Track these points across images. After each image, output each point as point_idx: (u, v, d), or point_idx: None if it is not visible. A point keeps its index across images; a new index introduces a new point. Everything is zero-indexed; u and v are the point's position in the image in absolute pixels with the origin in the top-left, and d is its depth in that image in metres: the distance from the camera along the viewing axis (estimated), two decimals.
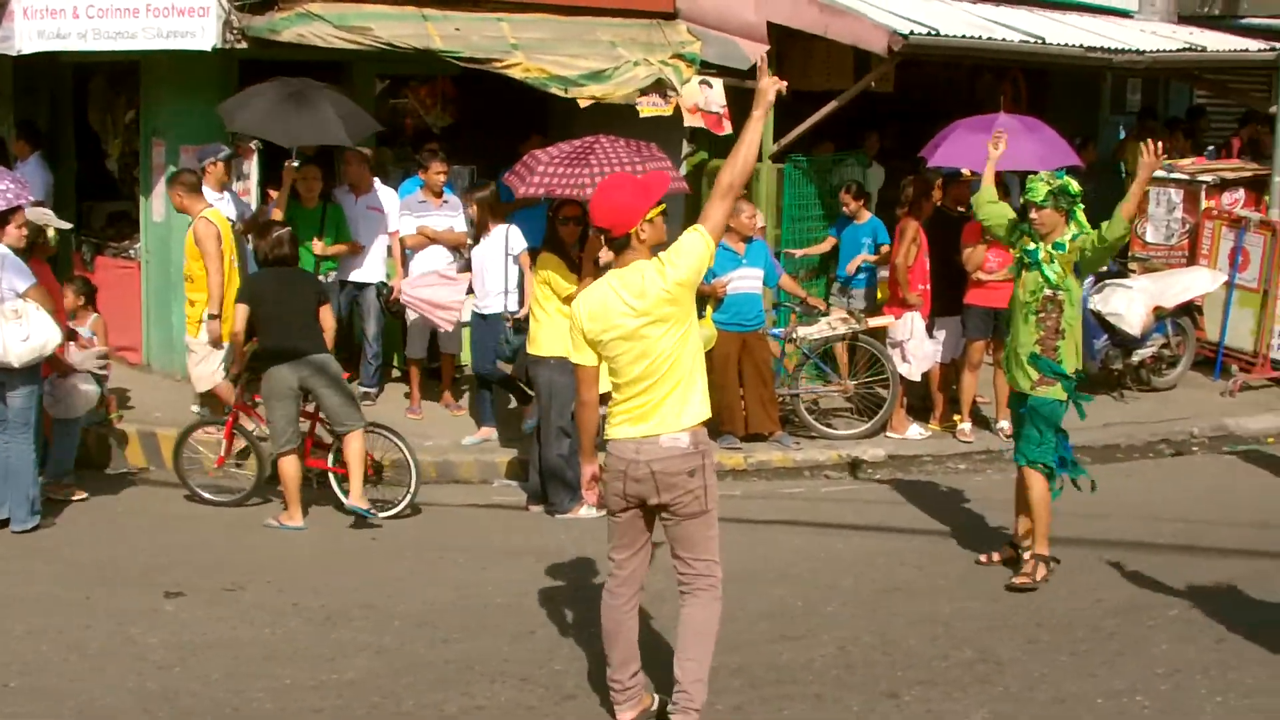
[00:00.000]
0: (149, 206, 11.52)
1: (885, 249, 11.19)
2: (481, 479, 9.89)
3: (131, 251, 11.86)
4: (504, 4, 11.52)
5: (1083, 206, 7.58)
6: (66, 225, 10.27)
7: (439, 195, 10.93)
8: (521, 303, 9.72)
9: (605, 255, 5.82)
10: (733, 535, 8.39)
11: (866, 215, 11.45)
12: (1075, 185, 7.54)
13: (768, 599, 7.37)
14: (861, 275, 11.43)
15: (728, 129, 11.36)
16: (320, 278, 10.24)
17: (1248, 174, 13.24)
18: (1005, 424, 10.58)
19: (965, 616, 7.08)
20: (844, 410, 11.04)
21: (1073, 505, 7.95)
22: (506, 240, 10.04)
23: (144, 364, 11.63)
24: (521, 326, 9.44)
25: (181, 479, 9.25)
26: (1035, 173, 7.75)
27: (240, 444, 9.26)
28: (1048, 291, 7.48)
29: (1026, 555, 7.63)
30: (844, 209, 11.42)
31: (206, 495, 9.19)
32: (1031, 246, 7.58)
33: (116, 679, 6.22)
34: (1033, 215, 7.53)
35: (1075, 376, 7.53)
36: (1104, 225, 7.35)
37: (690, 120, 11.58)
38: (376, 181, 11.01)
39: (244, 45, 10.54)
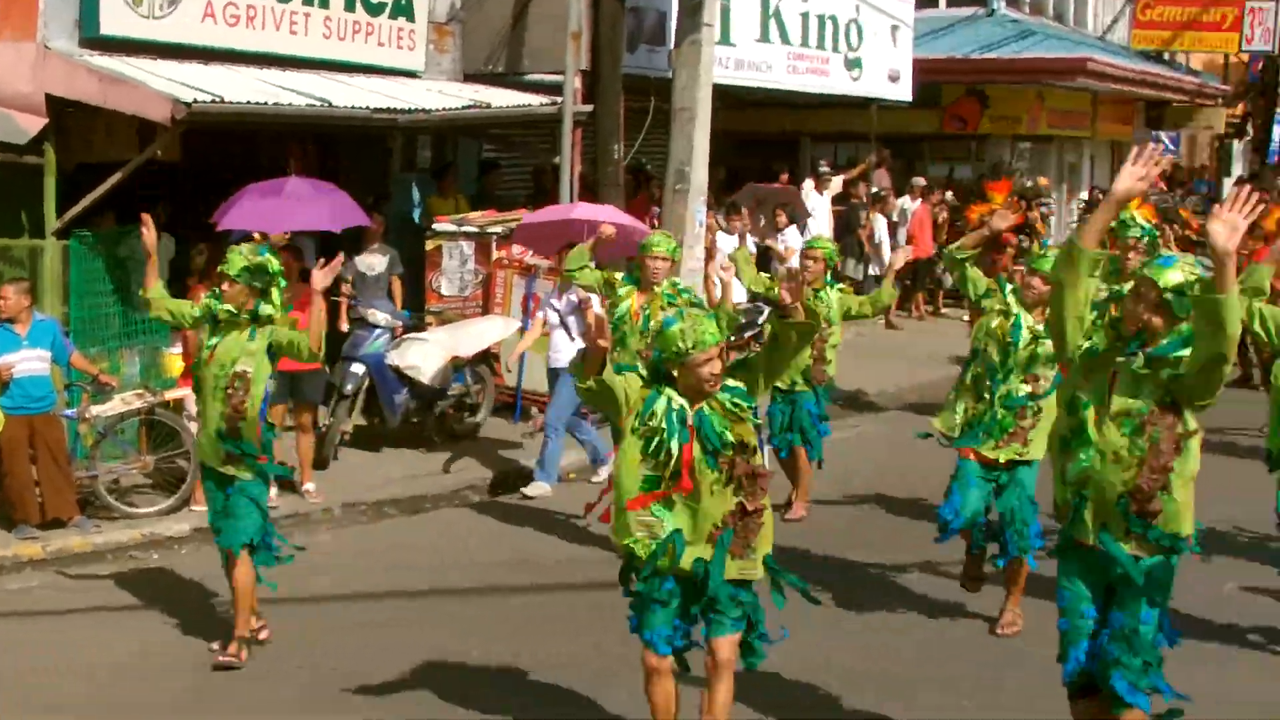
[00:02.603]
0: None
1: None
2: None
3: None
4: None
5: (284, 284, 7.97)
6: None
7: None
8: None
9: None
10: (32, 631, 8.57)
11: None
12: (275, 263, 7.89)
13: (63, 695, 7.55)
14: None
15: None
16: None
17: None
18: (311, 485, 11.16)
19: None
20: (146, 487, 11.23)
21: (397, 556, 9.06)
22: None
23: None
24: None
25: None
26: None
27: None
28: (238, 369, 7.78)
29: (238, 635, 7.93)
30: None
31: None
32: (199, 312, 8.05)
33: None
34: (224, 288, 7.85)
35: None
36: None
37: None
38: None
39: None
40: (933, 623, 8.60)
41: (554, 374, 11.73)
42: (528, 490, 11.54)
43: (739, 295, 14.86)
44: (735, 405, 5.94)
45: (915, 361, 17.62)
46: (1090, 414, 5.58)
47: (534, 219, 12.86)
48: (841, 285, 10.95)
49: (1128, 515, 5.53)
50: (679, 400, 5.92)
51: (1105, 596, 5.72)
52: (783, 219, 18.10)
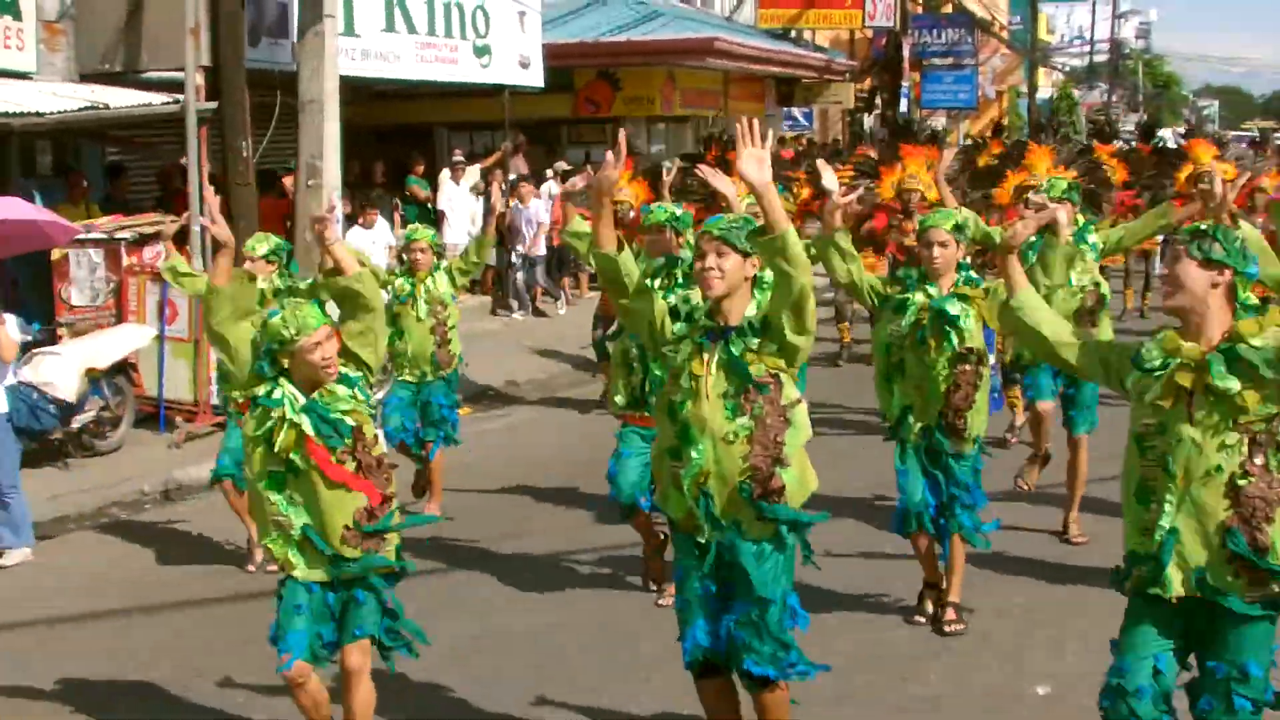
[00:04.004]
0: None
1: None
2: None
3: None
4: None
5: None
6: None
7: None
8: None
9: None
10: None
11: None
12: None
13: None
14: None
15: None
16: None
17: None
18: None
19: None
20: None
21: (41, 580, 9.25)
22: None
23: None
24: None
25: None
26: None
27: None
28: None
29: None
30: None
31: None
32: None
33: None
34: None
35: None
36: None
37: None
38: None
39: None
40: (601, 598, 9.15)
41: None
42: (4, 561, 10.37)
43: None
44: (350, 395, 6.14)
45: (565, 346, 18.31)
46: (690, 409, 5.73)
47: None
48: (448, 265, 11.27)
49: (753, 501, 5.71)
50: (291, 391, 6.10)
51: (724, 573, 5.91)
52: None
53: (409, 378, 10.90)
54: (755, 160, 5.43)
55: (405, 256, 11.14)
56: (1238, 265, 5.14)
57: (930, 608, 8.56)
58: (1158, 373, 5.18)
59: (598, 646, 8.32)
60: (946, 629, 8.33)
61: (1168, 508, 5.12)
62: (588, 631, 8.58)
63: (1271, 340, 5.03)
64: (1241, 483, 5.03)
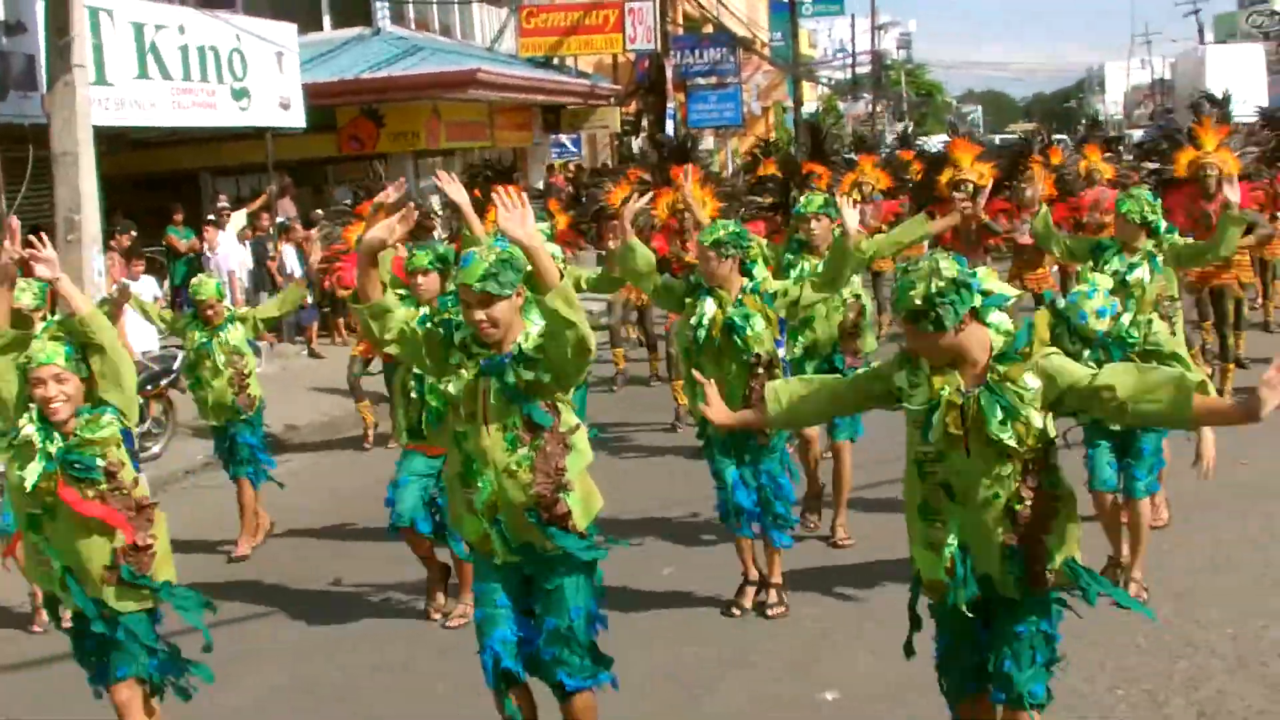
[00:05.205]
0: None
1: None
2: None
3: None
4: None
5: None
6: None
7: None
8: None
9: None
10: None
11: None
12: None
13: None
14: None
15: None
16: None
17: None
18: None
19: None
20: None
21: None
22: None
23: None
24: None
25: None
26: None
27: None
28: None
29: None
30: None
31: None
32: None
33: None
34: None
35: None
36: None
37: None
38: None
39: None
40: (403, 638, 9.15)
41: None
42: None
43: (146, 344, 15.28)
44: (102, 437, 6.10)
45: (344, 385, 18.25)
46: (472, 442, 5.85)
47: None
48: (243, 313, 11.47)
49: (542, 526, 5.84)
50: (34, 434, 6.07)
51: (525, 585, 6.06)
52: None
53: (214, 422, 11.30)
54: (516, 220, 5.52)
55: (196, 308, 11.22)
56: (970, 306, 5.18)
57: (748, 602, 8.89)
58: (927, 410, 5.31)
59: (400, 687, 8.33)
60: (770, 613, 8.73)
61: (953, 526, 5.32)
62: (390, 673, 8.58)
63: (1036, 378, 5.20)
64: (1017, 507, 5.25)
